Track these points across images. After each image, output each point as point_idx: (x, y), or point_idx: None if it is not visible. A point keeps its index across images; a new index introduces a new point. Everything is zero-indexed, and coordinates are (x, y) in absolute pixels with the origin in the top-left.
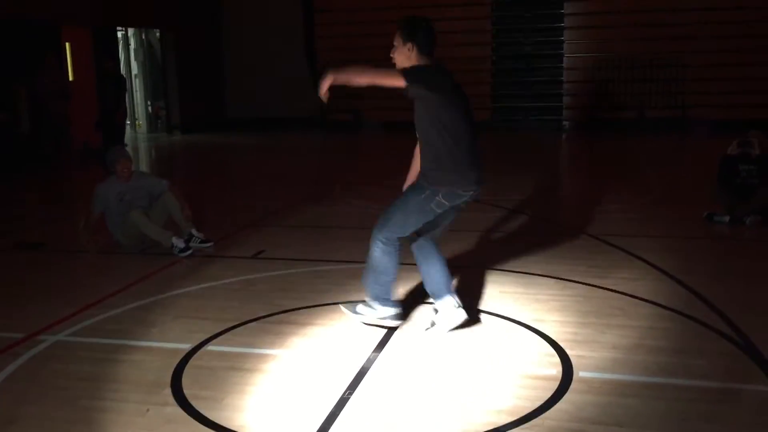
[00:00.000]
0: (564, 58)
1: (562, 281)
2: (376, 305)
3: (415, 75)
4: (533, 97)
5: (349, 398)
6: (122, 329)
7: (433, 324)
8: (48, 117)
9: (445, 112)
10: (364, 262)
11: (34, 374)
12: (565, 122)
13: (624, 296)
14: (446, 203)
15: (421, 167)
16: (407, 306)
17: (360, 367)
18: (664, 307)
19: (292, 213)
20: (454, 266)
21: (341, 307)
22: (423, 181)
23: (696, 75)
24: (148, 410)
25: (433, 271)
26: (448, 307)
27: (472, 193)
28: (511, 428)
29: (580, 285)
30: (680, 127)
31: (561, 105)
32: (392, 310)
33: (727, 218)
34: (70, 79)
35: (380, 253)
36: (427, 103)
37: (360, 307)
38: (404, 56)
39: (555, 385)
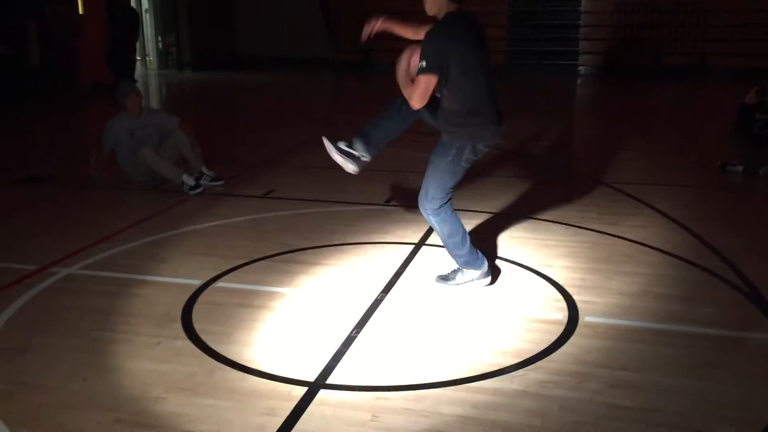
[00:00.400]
0: (582, 1)
1: (572, 227)
2: (469, 270)
3: (433, 58)
4: (549, 40)
5: (356, 337)
6: (133, 264)
7: (446, 278)
8: (57, 51)
9: (470, 67)
10: (373, 203)
11: (46, 305)
12: (580, 67)
13: (633, 243)
14: (473, 157)
15: (444, 122)
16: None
17: (367, 307)
18: (673, 255)
19: (303, 153)
20: (465, 211)
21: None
22: (447, 139)
23: (717, 21)
24: (158, 343)
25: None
26: (470, 275)
27: (490, 146)
28: (515, 369)
29: (590, 231)
30: (699, 74)
31: (577, 50)
32: (484, 265)
33: (740, 168)
34: (80, 12)
35: (438, 221)
36: (453, 66)
37: (459, 278)
38: (432, 1)
39: (561, 329)
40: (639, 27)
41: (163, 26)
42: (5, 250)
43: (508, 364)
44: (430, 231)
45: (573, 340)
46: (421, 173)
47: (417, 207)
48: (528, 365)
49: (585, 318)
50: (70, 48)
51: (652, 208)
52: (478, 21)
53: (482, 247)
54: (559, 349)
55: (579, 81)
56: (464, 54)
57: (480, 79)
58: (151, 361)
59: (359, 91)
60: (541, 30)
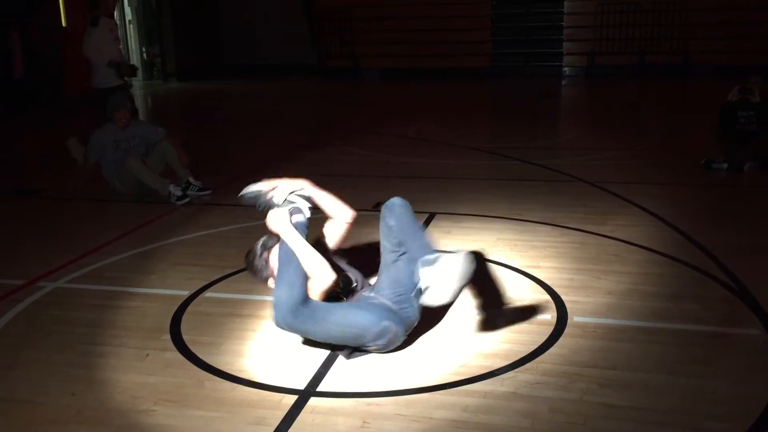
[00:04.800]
0: (564, 3)
1: (558, 228)
2: None
3: None
4: (533, 42)
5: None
6: (121, 276)
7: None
8: (42, 63)
9: None
10: (362, 209)
11: (34, 320)
12: (565, 68)
13: (620, 243)
14: None
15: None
16: None
17: None
18: (660, 253)
19: (290, 160)
20: (454, 214)
21: None
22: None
23: (699, 19)
24: (147, 355)
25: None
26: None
27: None
28: (505, 371)
29: (577, 232)
30: (682, 72)
31: (561, 51)
32: None
33: (725, 165)
34: (63, 24)
35: None
36: None
37: None
38: None
39: (549, 329)
40: (621, 27)
41: (147, 37)
42: None
43: (497, 367)
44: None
45: (562, 340)
46: (407, 177)
47: None
48: (517, 367)
49: (573, 318)
50: (53, 60)
51: (638, 206)
52: None
53: (469, 250)
54: (549, 350)
55: (564, 82)
56: None
57: None
58: (140, 374)
59: (347, 97)
60: (525, 32)
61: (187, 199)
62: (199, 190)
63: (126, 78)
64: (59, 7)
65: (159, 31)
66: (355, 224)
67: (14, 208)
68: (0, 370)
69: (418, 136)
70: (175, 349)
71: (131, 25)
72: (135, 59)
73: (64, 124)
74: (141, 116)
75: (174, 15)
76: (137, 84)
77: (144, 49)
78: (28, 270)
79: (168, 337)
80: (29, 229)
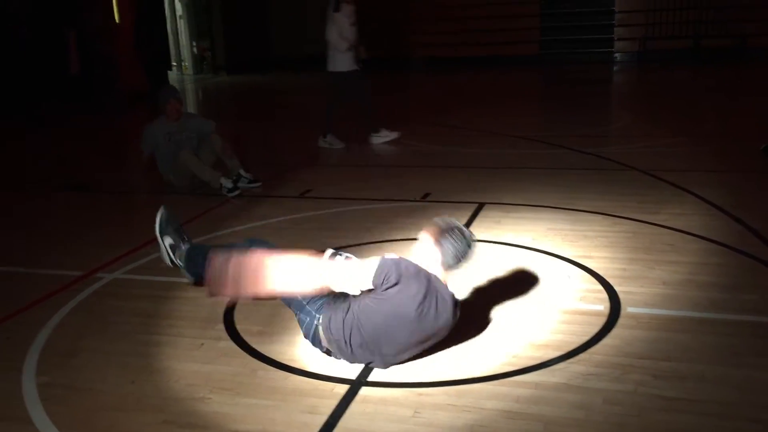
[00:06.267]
0: None
1: (611, 217)
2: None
3: None
4: (583, 28)
5: None
6: (175, 267)
7: None
8: (96, 59)
9: None
10: (408, 200)
11: (93, 310)
12: (616, 54)
13: (675, 232)
14: None
15: None
16: None
17: None
18: (717, 242)
19: (339, 152)
20: (504, 204)
21: None
22: None
23: (757, 1)
24: (202, 344)
25: None
26: None
27: None
28: (557, 362)
29: (630, 221)
30: (738, 56)
31: (612, 36)
32: None
33: None
34: (116, 21)
35: None
36: None
37: None
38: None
39: (602, 320)
40: (675, 10)
41: (197, 31)
42: (52, 257)
43: (549, 358)
44: (468, 225)
45: (615, 331)
46: (456, 167)
47: (453, 201)
48: (570, 358)
49: (627, 309)
50: (108, 56)
51: (694, 194)
52: None
53: (519, 240)
54: (601, 341)
55: (615, 68)
56: None
57: None
58: (195, 363)
59: (394, 87)
60: (574, 18)
61: (238, 192)
62: (250, 182)
63: (361, 62)
64: (112, 4)
65: (209, 26)
66: (402, 215)
67: (72, 201)
68: (61, 359)
69: (465, 125)
70: (229, 338)
71: (182, 20)
72: (186, 53)
73: (118, 119)
74: (192, 109)
75: (224, 9)
76: (188, 78)
77: (194, 43)
78: (86, 261)
79: (222, 326)
80: (86, 222)
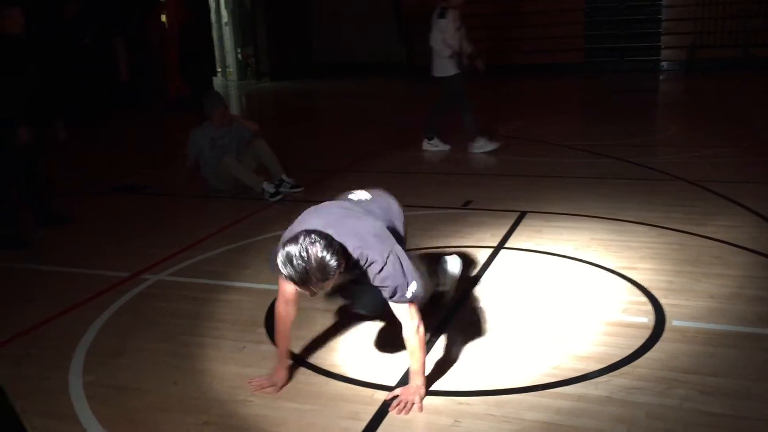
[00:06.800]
0: None
1: (656, 228)
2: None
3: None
4: (629, 36)
5: (435, 341)
6: (218, 270)
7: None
8: (145, 65)
9: None
10: (450, 207)
11: (139, 311)
12: (662, 63)
13: (722, 244)
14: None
15: None
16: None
17: (446, 312)
18: (765, 255)
19: (379, 158)
20: (546, 213)
21: None
22: None
23: None
24: (244, 347)
25: None
26: None
27: None
28: (599, 375)
29: (676, 232)
30: None
31: (659, 44)
32: None
33: None
34: (165, 27)
35: None
36: None
37: None
38: None
39: (647, 333)
40: (725, 19)
41: (242, 38)
42: (99, 258)
43: (591, 370)
44: (509, 234)
45: (660, 345)
46: (497, 175)
47: (495, 209)
48: (612, 371)
49: (672, 322)
50: (156, 62)
51: (742, 206)
52: None
53: (561, 249)
54: (645, 354)
55: (661, 77)
56: None
57: None
58: (237, 365)
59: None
60: (620, 26)
61: (280, 196)
62: (292, 187)
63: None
64: (161, 11)
65: (253, 33)
66: (443, 221)
67: (119, 204)
68: (107, 358)
69: (509, 133)
70: (270, 342)
71: (227, 27)
72: (230, 60)
73: (167, 124)
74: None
75: (267, 17)
76: (232, 84)
77: (239, 50)
78: (132, 263)
79: (263, 330)
80: (133, 225)
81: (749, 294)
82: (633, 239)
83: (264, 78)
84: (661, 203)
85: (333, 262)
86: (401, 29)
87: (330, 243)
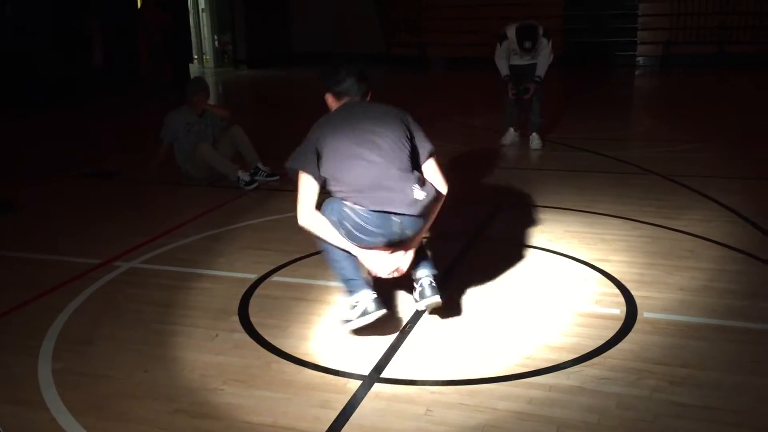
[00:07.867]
0: None
1: (629, 221)
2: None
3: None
4: (606, 31)
5: (409, 331)
6: (191, 258)
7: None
8: (119, 49)
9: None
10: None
11: (110, 298)
12: (638, 58)
13: (694, 238)
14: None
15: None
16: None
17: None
18: (737, 249)
19: None
20: (522, 205)
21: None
22: None
23: None
24: (216, 335)
25: None
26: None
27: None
28: (571, 365)
29: (649, 226)
30: (764, 63)
31: (635, 40)
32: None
33: None
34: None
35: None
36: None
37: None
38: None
39: (618, 324)
40: (700, 15)
41: (218, 25)
42: (70, 245)
43: (563, 360)
44: (483, 225)
45: (631, 336)
46: (473, 168)
47: (471, 203)
48: (584, 361)
49: (644, 314)
50: (131, 46)
51: (715, 201)
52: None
53: (535, 241)
54: (617, 345)
55: (637, 72)
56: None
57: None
58: (209, 354)
59: (414, 85)
60: (597, 21)
61: (255, 185)
62: (268, 175)
63: None
64: None
65: (231, 20)
66: None
67: (92, 189)
68: (77, 345)
69: (484, 126)
70: (243, 330)
71: (204, 14)
72: (207, 47)
73: (139, 110)
74: (212, 102)
75: (246, 4)
76: (208, 71)
77: (216, 37)
78: (104, 250)
79: (236, 318)
80: (105, 211)
81: (720, 287)
82: (606, 232)
83: (241, 66)
84: (635, 197)
85: None
86: (381, 18)
87: None
